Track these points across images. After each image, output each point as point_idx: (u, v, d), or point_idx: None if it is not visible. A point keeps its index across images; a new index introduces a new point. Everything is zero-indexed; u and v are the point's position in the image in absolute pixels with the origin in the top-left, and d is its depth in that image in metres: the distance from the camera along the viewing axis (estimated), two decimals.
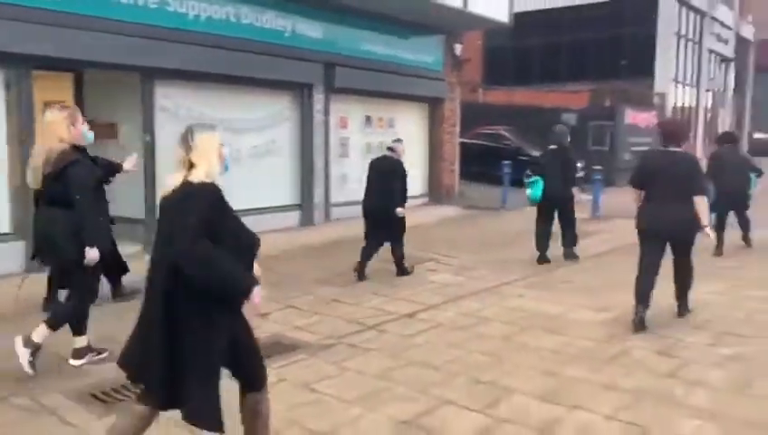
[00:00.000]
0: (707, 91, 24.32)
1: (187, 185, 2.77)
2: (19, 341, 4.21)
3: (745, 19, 27.68)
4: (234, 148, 9.57)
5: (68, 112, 4.40)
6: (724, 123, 26.63)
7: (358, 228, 7.57)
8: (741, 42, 27.50)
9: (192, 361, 2.70)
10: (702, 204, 5.13)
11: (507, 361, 4.58)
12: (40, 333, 4.23)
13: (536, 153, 15.87)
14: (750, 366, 4.41)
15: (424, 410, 3.77)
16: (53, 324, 4.32)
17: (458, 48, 13.51)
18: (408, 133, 12.96)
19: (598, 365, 4.47)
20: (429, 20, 12.05)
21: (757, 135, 29.86)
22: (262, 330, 5.32)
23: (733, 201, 8.29)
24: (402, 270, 7.26)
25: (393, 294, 6.47)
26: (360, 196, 7.63)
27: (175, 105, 8.90)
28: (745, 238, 8.67)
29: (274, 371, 4.42)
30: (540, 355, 4.70)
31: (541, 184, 7.70)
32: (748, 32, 28.23)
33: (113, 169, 5.30)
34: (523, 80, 22.03)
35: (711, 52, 24.14)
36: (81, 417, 3.72)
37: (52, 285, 5.49)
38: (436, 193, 13.45)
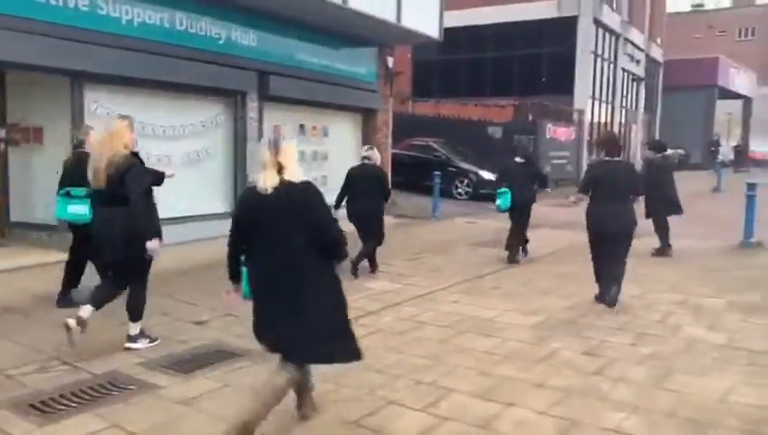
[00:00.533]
0: (622, 108, 25.71)
1: (291, 185, 3.32)
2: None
3: (654, 41, 29.47)
4: (165, 155, 9.51)
5: (128, 121, 4.93)
6: (637, 139, 28.21)
7: None
8: (651, 62, 29.25)
9: (333, 314, 3.43)
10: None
11: (445, 362, 4.79)
12: (132, 327, 5.01)
13: (464, 165, 16.49)
14: (665, 362, 4.79)
15: (369, 411, 3.91)
16: (136, 317, 5.02)
17: (390, 61, 13.81)
18: (341, 143, 13.17)
19: (528, 365, 4.74)
20: (363, 33, 12.27)
21: (668, 151, 31.69)
22: (202, 337, 5.36)
23: (669, 206, 9.20)
24: (358, 267, 7.69)
25: None
26: None
27: (106, 110, 8.70)
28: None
29: (216, 377, 4.47)
30: (475, 357, 4.93)
31: (509, 195, 8.47)
32: (657, 53, 30.06)
33: (160, 175, 5.64)
34: (449, 93, 22.60)
35: (624, 71, 25.56)
36: (22, 427, 3.65)
37: (69, 280, 6.11)
38: None
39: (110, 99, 8.76)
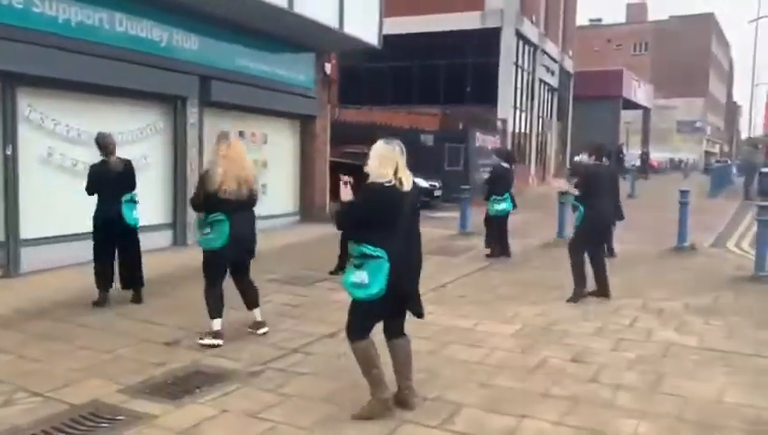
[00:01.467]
0: (539, 117, 26.68)
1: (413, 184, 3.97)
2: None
3: (567, 53, 30.83)
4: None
5: None
6: (552, 147, 29.37)
7: None
8: (563, 73, 30.56)
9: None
10: None
11: (441, 376, 4.72)
12: (258, 312, 5.78)
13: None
14: (652, 366, 4.95)
15: (387, 431, 3.79)
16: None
17: (328, 67, 13.66)
18: (280, 150, 12.89)
19: (524, 375, 4.76)
20: (304, 38, 12.08)
21: (576, 158, 33.22)
22: (176, 359, 5.04)
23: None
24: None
25: (302, 316, 6.39)
26: None
27: (40, 116, 8.08)
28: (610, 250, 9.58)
29: (210, 403, 4.20)
30: (468, 368, 4.90)
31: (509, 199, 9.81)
32: (569, 65, 31.47)
33: None
34: (376, 101, 22.64)
35: (541, 81, 26.56)
36: None
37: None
38: (308, 211, 13.42)
39: (45, 103, 8.14)
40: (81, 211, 7.01)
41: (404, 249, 3.89)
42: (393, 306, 3.96)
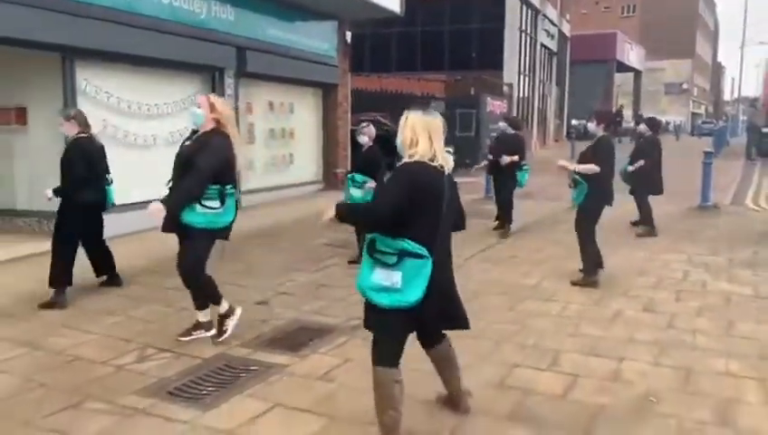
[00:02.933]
0: (540, 81, 26.95)
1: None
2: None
3: (564, 17, 30.96)
4: (151, 134, 9.14)
5: None
6: (551, 110, 29.69)
7: (272, 216, 7.74)
8: (562, 37, 30.73)
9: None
10: None
11: (531, 326, 5.10)
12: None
13: None
14: (719, 313, 5.37)
15: (504, 373, 4.17)
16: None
17: (349, 36, 13.79)
18: (305, 119, 13.11)
19: (606, 325, 5.16)
20: (330, 6, 12.22)
21: (574, 122, 33.66)
22: (275, 316, 5.37)
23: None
24: None
25: None
26: (267, 182, 7.89)
27: (95, 89, 8.25)
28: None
29: (331, 353, 4.55)
30: (552, 320, 5.27)
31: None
32: (566, 28, 31.62)
33: None
34: (381, 68, 22.77)
35: (543, 46, 26.75)
36: (185, 414, 3.61)
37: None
38: (332, 179, 13.67)
39: (98, 76, 8.31)
40: (134, 182, 7.27)
41: (447, 247, 3.21)
42: (430, 318, 3.19)
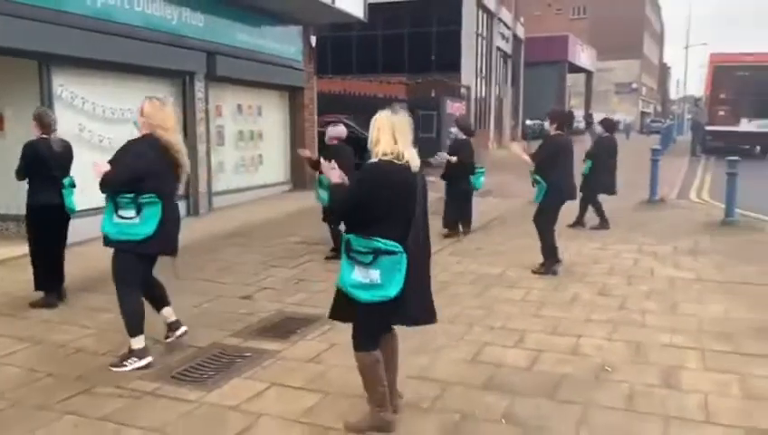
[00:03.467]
0: (496, 83, 27.70)
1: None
2: None
3: (519, 20, 31.84)
4: (125, 138, 9.31)
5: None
6: (507, 111, 30.51)
7: (243, 217, 8.40)
8: (516, 40, 31.60)
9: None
10: None
11: (498, 310, 5.58)
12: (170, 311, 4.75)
13: None
14: (665, 295, 5.95)
15: (476, 351, 4.62)
16: None
17: (314, 39, 14.13)
18: (272, 121, 13.40)
19: (565, 307, 5.67)
20: (297, 12, 12.55)
21: (528, 122, 34.59)
22: (260, 309, 5.72)
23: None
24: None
25: None
26: (237, 183, 8.45)
27: (71, 94, 8.43)
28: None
29: (318, 339, 4.93)
30: (517, 305, 5.77)
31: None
32: (520, 31, 32.51)
33: None
34: (342, 70, 23.08)
35: (498, 49, 27.51)
36: (191, 394, 3.96)
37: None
38: (300, 180, 13.99)
39: (73, 82, 8.49)
40: None
41: (420, 241, 3.36)
42: (404, 312, 3.36)
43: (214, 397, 3.93)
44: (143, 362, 4.35)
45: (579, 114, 43.06)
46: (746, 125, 22.30)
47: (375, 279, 3.22)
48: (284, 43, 13.00)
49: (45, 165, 5.60)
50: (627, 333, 4.95)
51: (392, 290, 3.20)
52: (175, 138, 4.45)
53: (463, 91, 22.47)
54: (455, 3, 22.77)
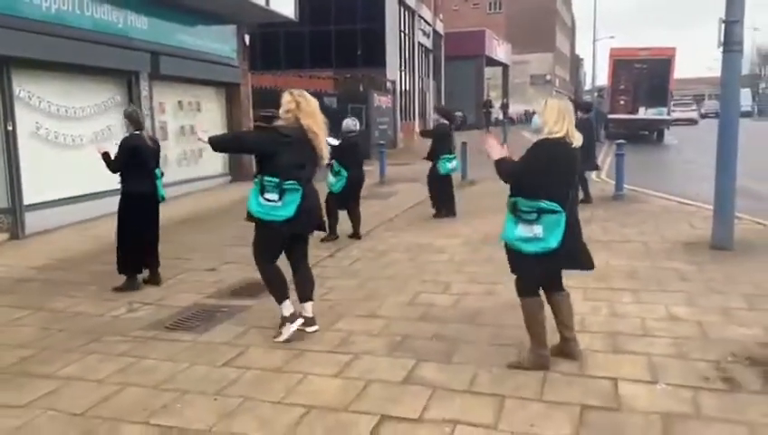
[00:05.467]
0: (419, 77, 29.09)
1: None
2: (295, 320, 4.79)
3: (438, 17, 33.38)
4: (78, 135, 9.99)
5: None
6: (430, 103, 32.00)
7: (188, 206, 10.14)
8: (436, 35, 33.12)
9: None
10: None
11: (426, 270, 6.75)
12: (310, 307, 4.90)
13: None
14: None
15: (412, 298, 5.77)
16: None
17: (247, 38, 14.93)
18: (211, 116, 14.14)
19: (483, 264, 6.91)
20: (232, 13, 13.35)
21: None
22: (227, 277, 6.67)
23: None
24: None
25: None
26: (179, 176, 10.61)
27: (28, 94, 9.03)
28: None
29: None
30: (443, 265, 6.97)
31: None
32: (440, 27, 34.08)
33: None
34: (270, 66, 23.83)
35: (420, 44, 28.89)
36: (185, 337, 4.92)
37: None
38: (238, 172, 14.79)
39: (31, 82, 9.08)
40: (66, 178, 8.54)
41: (574, 205, 3.98)
42: (563, 261, 3.99)
43: (205, 337, 4.90)
44: (295, 326, 4.73)
45: (497, 105, 45.27)
46: (644, 113, 24.59)
47: (538, 233, 3.82)
48: (220, 43, 13.77)
49: (141, 157, 6.20)
50: None
51: (553, 242, 3.80)
52: (318, 126, 4.67)
53: (389, 85, 23.68)
54: (377, 1, 23.93)
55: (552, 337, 4.27)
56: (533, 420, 3.44)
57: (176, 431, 3.43)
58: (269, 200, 4.53)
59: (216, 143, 4.80)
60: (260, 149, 4.69)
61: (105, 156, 6.28)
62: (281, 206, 4.51)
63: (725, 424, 3.37)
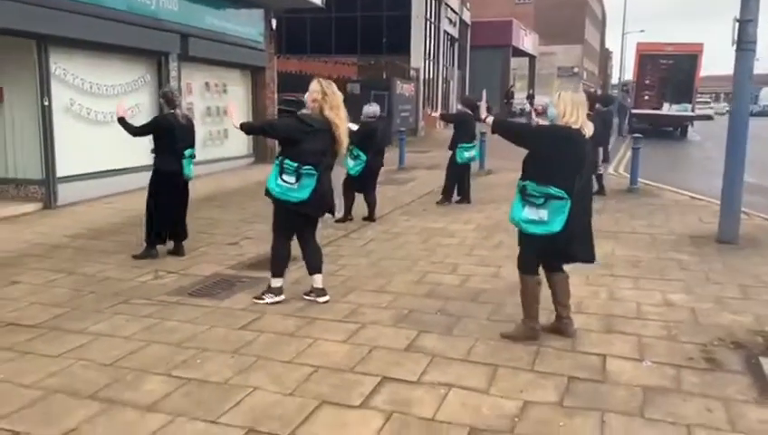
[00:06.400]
0: (444, 66, 29.18)
1: None
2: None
3: (465, 5, 33.35)
4: (110, 111, 10.38)
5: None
6: (454, 92, 32.09)
7: (214, 185, 10.50)
8: (462, 24, 33.12)
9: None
10: None
11: (438, 252, 7.03)
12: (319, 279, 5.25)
13: None
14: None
15: (421, 277, 6.06)
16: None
17: (274, 22, 15.23)
18: (236, 98, 14.49)
19: (492, 249, 7.18)
20: None
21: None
22: (247, 251, 7.01)
23: None
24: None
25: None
26: (205, 156, 10.77)
27: (63, 71, 9.43)
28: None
29: (298, 271, 6.27)
30: (454, 248, 7.24)
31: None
32: (467, 16, 34.06)
33: None
34: (296, 50, 24.13)
35: (445, 33, 28.96)
36: (242, 302, 5.27)
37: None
38: (262, 153, 15.15)
39: (66, 60, 9.48)
40: (96, 153, 9.06)
41: (580, 195, 4.13)
42: (563, 246, 4.20)
43: (225, 303, 5.25)
44: (278, 299, 5.16)
45: (522, 96, 45.13)
46: (668, 109, 24.47)
47: (543, 217, 4.08)
48: (248, 26, 14.09)
49: (172, 136, 6.49)
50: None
51: (556, 226, 4.06)
52: (341, 119, 4.98)
53: (412, 72, 23.85)
54: None
55: (550, 316, 4.56)
56: (523, 387, 3.73)
57: (195, 383, 3.77)
58: (286, 182, 4.88)
59: (248, 130, 5.40)
60: (287, 136, 5.00)
61: (121, 120, 6.60)
62: (296, 188, 4.87)
63: (703, 398, 3.61)
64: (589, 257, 4.41)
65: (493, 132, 4.52)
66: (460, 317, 4.91)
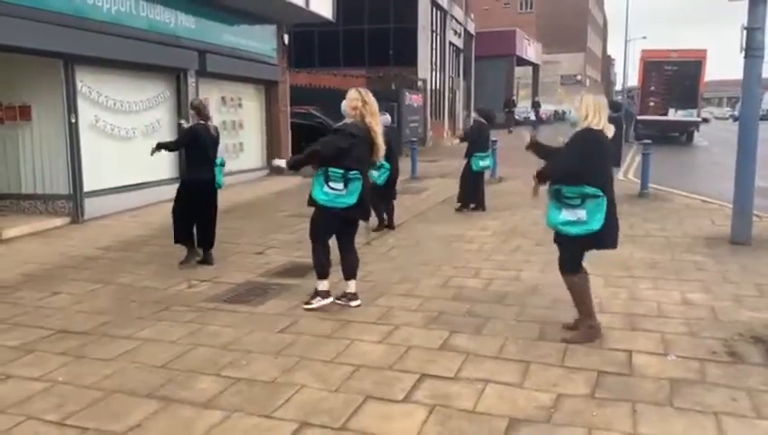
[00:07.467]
0: (450, 76, 29.50)
1: None
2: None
3: (469, 16, 33.71)
4: (132, 127, 10.68)
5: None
6: (460, 102, 32.39)
7: (232, 197, 10.30)
8: (467, 35, 33.47)
9: None
10: None
11: (459, 257, 7.24)
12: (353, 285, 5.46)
13: None
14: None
15: (445, 281, 6.27)
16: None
17: (286, 38, 15.54)
18: (251, 112, 14.80)
19: (510, 253, 7.39)
20: (273, 14, 13.96)
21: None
22: (274, 260, 7.24)
23: None
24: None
25: None
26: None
27: (89, 89, 9.72)
28: None
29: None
30: (473, 253, 7.46)
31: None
32: (471, 27, 34.41)
33: None
34: (304, 64, 24.45)
35: (450, 44, 29.29)
36: (248, 309, 5.49)
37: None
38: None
39: (91, 78, 9.77)
40: (120, 168, 9.33)
41: (612, 191, 4.33)
42: (603, 241, 4.40)
43: (261, 309, 5.47)
44: (326, 302, 5.32)
45: (526, 104, 45.39)
46: (674, 115, 24.70)
47: (581, 217, 4.23)
48: (262, 42, 14.40)
49: (203, 146, 6.76)
50: (555, 269, 6.66)
51: (595, 225, 4.22)
52: (378, 125, 5.22)
53: (420, 83, 24.15)
54: (411, 0, 24.43)
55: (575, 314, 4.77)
56: (555, 381, 3.93)
57: (244, 382, 3.99)
58: (334, 189, 5.06)
59: (295, 165, 5.39)
60: (338, 155, 5.03)
61: (158, 146, 6.93)
62: (345, 194, 5.06)
63: (728, 389, 3.81)
64: (614, 245, 4.56)
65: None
66: (488, 318, 5.12)
